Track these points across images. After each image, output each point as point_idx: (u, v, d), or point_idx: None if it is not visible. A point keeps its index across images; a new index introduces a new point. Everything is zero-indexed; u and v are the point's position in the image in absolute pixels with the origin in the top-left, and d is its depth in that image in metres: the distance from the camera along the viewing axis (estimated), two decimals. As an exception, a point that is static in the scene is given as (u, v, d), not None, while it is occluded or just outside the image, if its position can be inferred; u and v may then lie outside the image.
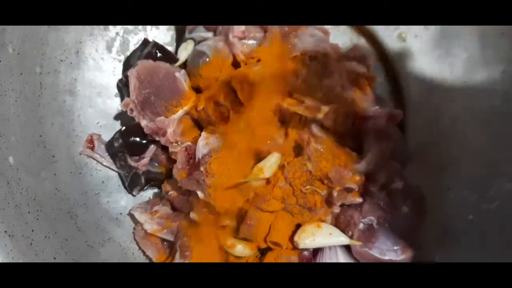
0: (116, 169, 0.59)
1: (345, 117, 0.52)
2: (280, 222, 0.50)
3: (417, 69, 0.60)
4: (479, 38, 0.54)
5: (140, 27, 0.65)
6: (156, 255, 0.55)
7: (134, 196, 0.60)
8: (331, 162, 0.48)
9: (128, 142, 0.56)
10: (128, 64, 0.62)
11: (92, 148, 0.58)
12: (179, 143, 0.54)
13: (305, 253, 0.50)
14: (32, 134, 0.52)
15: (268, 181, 0.50)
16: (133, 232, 0.57)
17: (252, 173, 0.48)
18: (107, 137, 0.59)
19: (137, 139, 0.57)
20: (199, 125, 0.57)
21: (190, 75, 0.57)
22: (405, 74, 0.61)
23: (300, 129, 0.51)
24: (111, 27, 0.62)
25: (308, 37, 0.57)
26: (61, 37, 0.57)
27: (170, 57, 0.59)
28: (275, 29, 0.56)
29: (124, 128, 0.57)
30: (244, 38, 0.57)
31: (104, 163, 0.59)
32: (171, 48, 0.63)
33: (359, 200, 0.50)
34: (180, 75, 0.55)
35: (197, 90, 0.57)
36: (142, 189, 0.59)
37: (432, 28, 0.58)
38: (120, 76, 0.63)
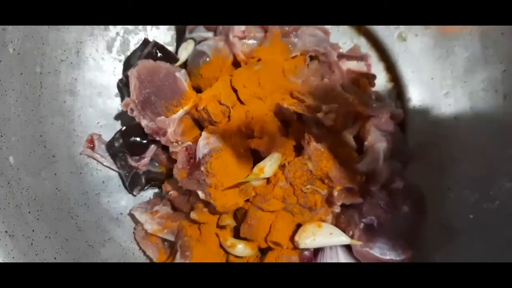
0: (116, 169, 0.59)
1: (345, 117, 0.52)
2: (281, 222, 0.50)
3: (417, 68, 0.60)
4: (479, 37, 0.54)
5: (140, 27, 0.65)
6: (156, 255, 0.55)
7: (134, 196, 0.60)
8: (332, 161, 0.48)
9: (129, 142, 0.56)
10: (128, 64, 0.62)
11: (93, 148, 0.58)
12: (179, 143, 0.54)
13: (306, 253, 0.50)
14: (33, 134, 0.52)
15: (268, 180, 0.50)
16: (133, 232, 0.57)
17: (253, 172, 0.48)
18: (107, 137, 0.59)
19: (138, 139, 0.57)
20: (200, 125, 0.57)
21: (191, 75, 0.57)
22: (406, 74, 0.61)
23: (300, 129, 0.51)
24: (111, 27, 0.62)
25: (308, 37, 0.57)
26: (61, 37, 0.57)
27: (170, 57, 0.59)
28: (275, 29, 0.56)
29: (124, 128, 0.57)
30: (245, 38, 0.57)
31: (105, 163, 0.59)
32: (171, 48, 0.63)
33: (360, 200, 0.50)
34: (181, 75, 0.55)
35: (198, 90, 0.57)
36: (142, 189, 0.59)
37: (432, 28, 0.58)
38: (120, 76, 0.63)
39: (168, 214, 0.55)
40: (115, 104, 0.62)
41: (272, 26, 0.56)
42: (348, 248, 0.51)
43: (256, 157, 0.51)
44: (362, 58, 0.60)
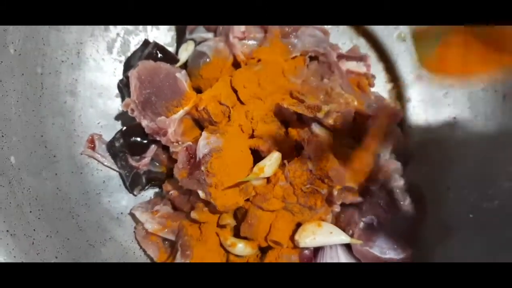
0: (117, 169, 0.59)
1: (345, 117, 0.52)
2: (281, 221, 0.50)
3: (417, 68, 0.60)
4: (478, 37, 0.54)
5: (140, 27, 0.65)
6: (157, 254, 0.55)
7: (135, 195, 0.60)
8: (332, 161, 0.48)
9: (129, 142, 0.56)
10: (128, 64, 0.62)
11: (93, 148, 0.58)
12: (180, 143, 0.54)
13: (306, 252, 0.50)
14: (33, 134, 0.53)
15: (268, 180, 0.50)
16: (134, 232, 0.57)
17: (253, 172, 0.48)
18: (108, 137, 0.59)
19: (138, 139, 0.57)
20: (200, 125, 0.57)
21: (191, 75, 0.58)
22: (405, 74, 0.61)
23: (300, 129, 0.51)
24: (111, 27, 0.63)
25: (308, 37, 0.57)
26: (62, 37, 0.57)
27: (170, 58, 0.59)
28: (275, 30, 0.56)
29: (125, 128, 0.57)
30: (245, 39, 0.57)
31: (105, 163, 0.59)
32: (171, 49, 0.63)
33: (359, 199, 0.50)
34: (181, 75, 0.55)
35: (198, 90, 0.57)
36: (143, 189, 0.59)
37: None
38: (120, 76, 0.63)
39: (168, 213, 0.55)
40: (116, 105, 0.63)
41: (272, 27, 0.56)
42: (348, 247, 0.51)
43: (256, 157, 0.51)
44: (361, 58, 0.60)
